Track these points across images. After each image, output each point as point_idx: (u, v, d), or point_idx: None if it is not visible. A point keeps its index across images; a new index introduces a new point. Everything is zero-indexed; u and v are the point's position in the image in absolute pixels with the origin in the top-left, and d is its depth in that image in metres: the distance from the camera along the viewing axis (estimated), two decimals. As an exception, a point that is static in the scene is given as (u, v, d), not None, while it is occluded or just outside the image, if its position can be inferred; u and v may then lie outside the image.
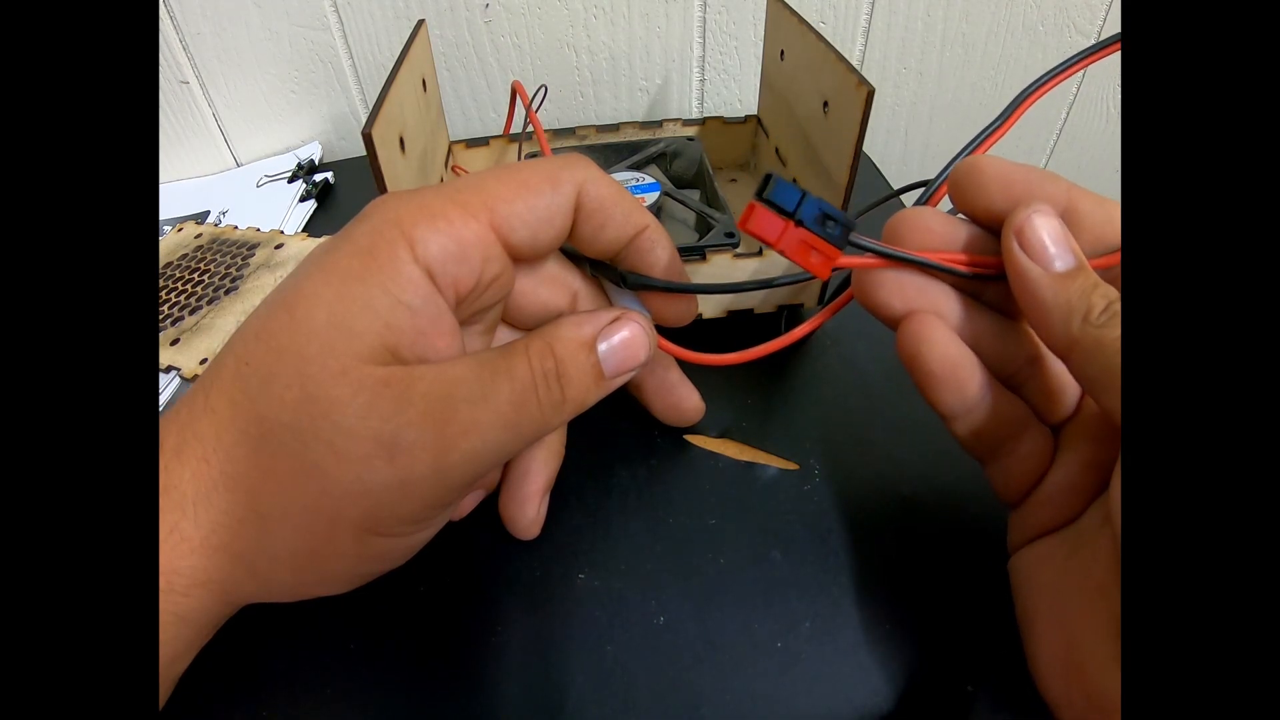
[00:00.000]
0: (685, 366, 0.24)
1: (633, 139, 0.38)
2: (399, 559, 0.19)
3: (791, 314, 0.32)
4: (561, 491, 0.25)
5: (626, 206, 0.20)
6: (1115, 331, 0.15)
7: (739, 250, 0.29)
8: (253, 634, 0.21)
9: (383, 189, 0.23)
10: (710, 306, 0.30)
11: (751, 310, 0.31)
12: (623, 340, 0.19)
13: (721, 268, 0.29)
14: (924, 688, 0.20)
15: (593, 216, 0.20)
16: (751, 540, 0.24)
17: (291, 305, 0.17)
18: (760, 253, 0.29)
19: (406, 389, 0.16)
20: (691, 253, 0.29)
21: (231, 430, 0.16)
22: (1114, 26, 0.49)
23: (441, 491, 0.17)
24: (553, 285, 0.21)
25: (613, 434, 0.27)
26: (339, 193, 0.45)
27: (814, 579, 0.23)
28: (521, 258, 0.19)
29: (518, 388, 0.17)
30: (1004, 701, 0.20)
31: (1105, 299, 0.16)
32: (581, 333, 0.19)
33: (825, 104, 0.28)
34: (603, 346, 0.19)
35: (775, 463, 0.26)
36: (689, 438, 0.27)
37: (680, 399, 0.26)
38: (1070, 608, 0.17)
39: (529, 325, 0.22)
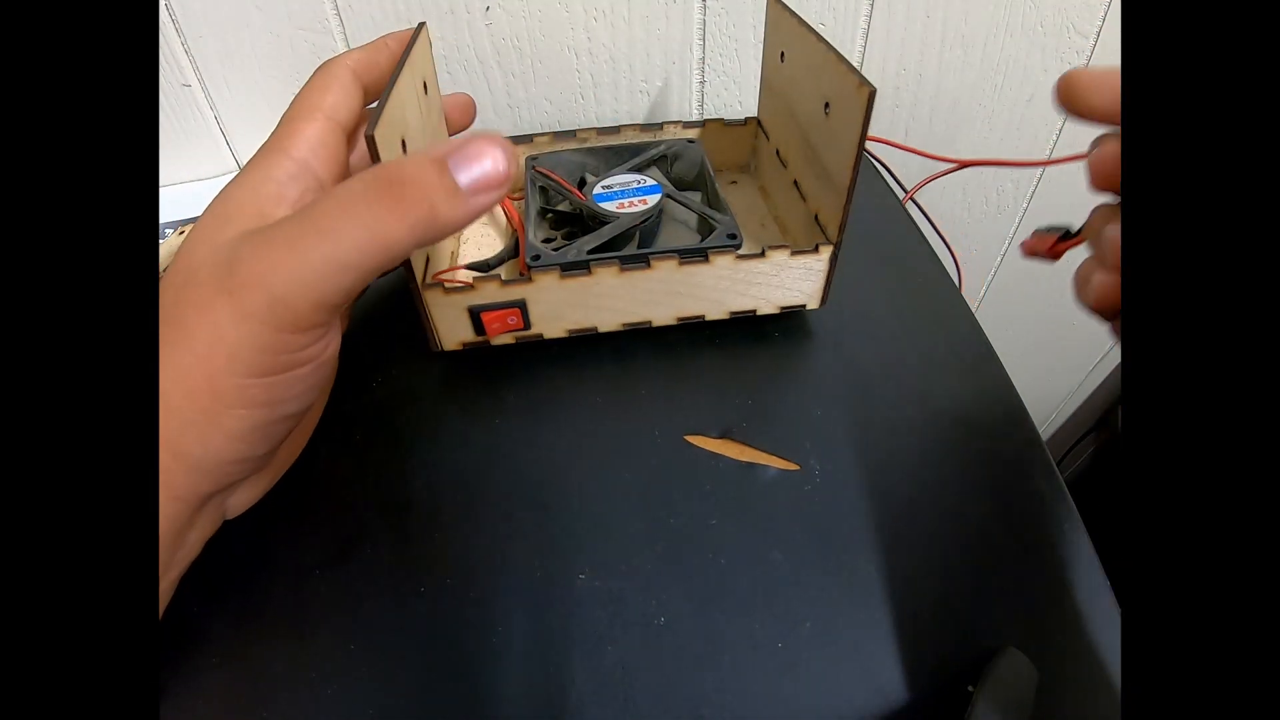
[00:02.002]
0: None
1: (633, 141, 0.38)
2: (295, 395, 0.20)
3: (791, 315, 0.32)
4: (562, 491, 0.25)
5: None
6: None
7: (741, 252, 0.29)
8: (253, 634, 0.21)
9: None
10: (713, 309, 0.30)
11: (754, 312, 0.31)
12: (473, 149, 0.19)
13: (724, 270, 0.29)
14: (925, 688, 0.20)
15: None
16: (751, 540, 0.24)
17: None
18: (763, 254, 0.29)
19: (246, 233, 0.18)
20: (694, 254, 0.29)
21: None
22: (1113, 27, 0.49)
23: (296, 311, 0.18)
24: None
25: (613, 434, 0.27)
26: (340, 195, 0.45)
27: (814, 579, 0.23)
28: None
29: (345, 197, 0.18)
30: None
31: None
32: (428, 153, 0.18)
33: (826, 105, 0.28)
34: (453, 160, 0.18)
35: (775, 463, 0.26)
36: (689, 438, 0.27)
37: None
38: None
39: None
